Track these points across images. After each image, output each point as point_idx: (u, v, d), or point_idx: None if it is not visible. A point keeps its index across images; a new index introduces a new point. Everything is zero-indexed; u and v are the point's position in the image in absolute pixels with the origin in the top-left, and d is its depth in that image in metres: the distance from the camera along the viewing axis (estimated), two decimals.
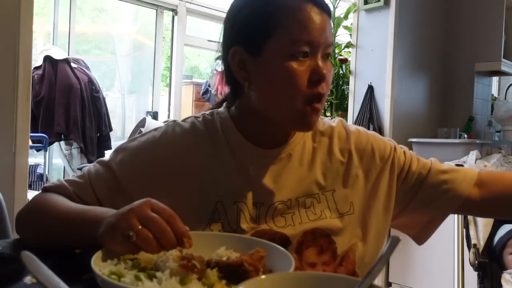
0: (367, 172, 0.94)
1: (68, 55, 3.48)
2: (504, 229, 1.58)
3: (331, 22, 0.86)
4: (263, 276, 0.59)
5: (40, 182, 3.42)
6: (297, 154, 0.91)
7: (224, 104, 0.96)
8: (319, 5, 0.82)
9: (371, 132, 1.00)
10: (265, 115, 0.87)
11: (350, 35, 3.40)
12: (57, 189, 0.88)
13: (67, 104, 3.26)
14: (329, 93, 0.87)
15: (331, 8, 3.41)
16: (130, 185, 0.87)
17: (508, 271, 1.51)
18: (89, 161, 3.36)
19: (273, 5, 0.82)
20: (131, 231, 0.64)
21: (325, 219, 0.88)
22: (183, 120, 0.95)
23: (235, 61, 0.86)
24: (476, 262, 1.57)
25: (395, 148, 0.98)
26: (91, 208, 0.81)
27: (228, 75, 0.91)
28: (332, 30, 0.87)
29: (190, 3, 4.11)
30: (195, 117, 0.94)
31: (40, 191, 0.91)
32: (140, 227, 0.65)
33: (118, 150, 0.92)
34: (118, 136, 4.05)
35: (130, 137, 3.16)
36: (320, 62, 0.81)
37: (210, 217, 0.85)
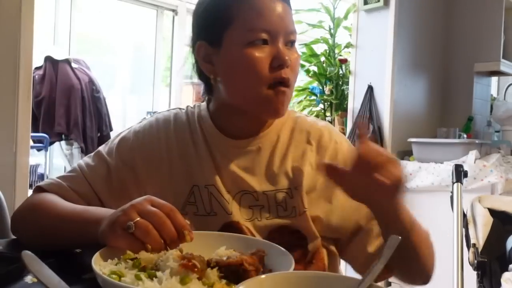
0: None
1: (69, 55, 3.48)
2: None
3: (290, 9, 0.87)
4: (263, 276, 0.59)
5: (40, 182, 3.42)
6: (267, 148, 0.92)
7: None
8: None
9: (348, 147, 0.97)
10: (235, 106, 0.89)
11: (350, 35, 3.40)
12: (52, 186, 0.89)
13: (68, 104, 3.26)
14: (295, 80, 0.87)
15: (331, 9, 3.42)
16: (120, 172, 0.90)
17: (510, 267, 1.51)
18: None
19: None
20: (130, 222, 0.65)
21: (294, 217, 0.87)
22: (168, 110, 0.99)
23: (200, 56, 0.89)
24: (476, 261, 1.58)
25: None
26: (91, 208, 0.82)
27: (198, 70, 0.94)
28: (292, 18, 0.88)
29: (190, 3, 4.11)
30: (180, 108, 0.99)
31: (33, 190, 0.91)
32: (139, 218, 0.65)
33: (107, 142, 0.97)
34: None
35: None
36: (281, 48, 0.83)
37: (185, 200, 0.88)
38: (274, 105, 0.84)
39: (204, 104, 0.98)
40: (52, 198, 0.86)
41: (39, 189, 0.90)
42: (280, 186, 0.89)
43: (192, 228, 0.69)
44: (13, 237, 1.23)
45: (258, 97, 0.84)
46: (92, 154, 0.94)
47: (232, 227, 0.86)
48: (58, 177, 0.91)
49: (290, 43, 0.85)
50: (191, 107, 0.98)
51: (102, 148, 0.94)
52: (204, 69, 0.89)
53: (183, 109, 0.98)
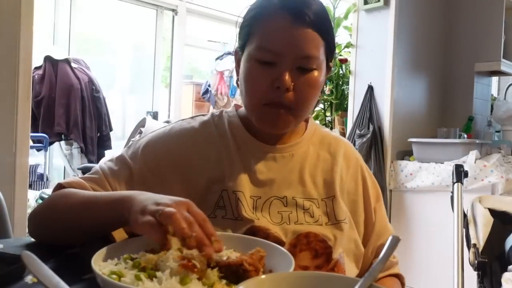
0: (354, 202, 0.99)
1: (69, 55, 3.48)
2: None
3: (319, 35, 0.86)
4: (263, 276, 0.59)
5: (40, 182, 3.42)
6: (299, 157, 0.95)
7: (233, 104, 1.02)
8: (296, 17, 0.84)
9: (368, 171, 1.04)
10: None
11: (350, 35, 3.40)
12: (73, 184, 0.89)
13: (68, 104, 3.26)
14: (304, 104, 0.89)
15: (331, 8, 3.41)
16: (143, 176, 0.91)
17: (509, 267, 1.51)
18: (89, 161, 3.36)
19: (255, 13, 0.89)
20: (160, 208, 0.65)
21: (321, 225, 0.90)
22: (191, 118, 1.01)
23: (236, 60, 0.94)
24: (476, 261, 1.57)
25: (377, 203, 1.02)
26: (117, 191, 0.84)
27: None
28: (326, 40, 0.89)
29: (190, 3, 4.11)
30: (202, 115, 1.01)
31: (53, 189, 0.91)
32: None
33: (129, 146, 0.97)
34: (119, 136, 4.04)
35: (130, 137, 3.17)
36: (286, 72, 0.84)
37: (215, 204, 0.89)
38: (267, 121, 0.89)
39: (231, 110, 1.00)
40: (74, 190, 0.86)
41: (59, 187, 0.89)
42: (308, 195, 0.92)
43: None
44: (14, 237, 1.24)
45: (254, 110, 0.89)
46: (114, 158, 0.95)
47: (258, 232, 0.86)
48: (81, 177, 0.92)
49: (303, 69, 0.86)
50: (216, 113, 1.00)
51: (125, 152, 0.95)
52: (236, 72, 0.95)
53: (207, 114, 1.00)
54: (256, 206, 0.90)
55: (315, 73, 0.87)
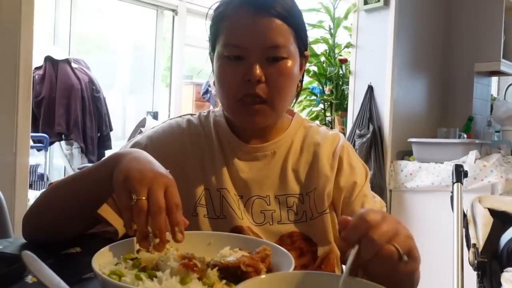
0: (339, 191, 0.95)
1: (69, 55, 3.48)
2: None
3: (285, 23, 0.84)
4: (262, 276, 0.59)
5: (40, 182, 3.42)
6: (282, 153, 0.95)
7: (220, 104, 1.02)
8: (259, 8, 0.83)
9: (359, 163, 0.99)
10: None
11: (350, 35, 3.40)
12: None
13: (68, 104, 3.26)
14: (279, 95, 0.86)
15: (331, 9, 3.41)
16: None
17: (507, 269, 1.51)
18: (90, 161, 3.36)
19: (220, 11, 0.88)
20: (135, 196, 0.65)
21: (305, 222, 0.90)
22: (179, 117, 1.02)
23: (211, 62, 0.94)
24: (476, 261, 1.58)
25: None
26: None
27: None
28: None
29: (190, 3, 4.11)
30: (191, 114, 1.02)
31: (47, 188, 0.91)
32: (143, 198, 0.65)
33: (120, 148, 0.97)
34: (119, 136, 4.04)
35: (130, 137, 3.17)
36: (255, 65, 0.83)
37: (196, 202, 0.89)
38: (243, 117, 0.88)
39: (219, 110, 1.00)
40: (64, 177, 0.87)
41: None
42: (292, 191, 0.92)
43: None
44: (14, 236, 1.24)
45: (230, 107, 0.89)
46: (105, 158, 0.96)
47: (241, 231, 0.86)
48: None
49: (273, 59, 0.84)
50: (203, 113, 1.01)
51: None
52: (213, 74, 0.94)
53: (195, 114, 1.01)
54: (239, 205, 0.90)
55: (288, 62, 0.86)
